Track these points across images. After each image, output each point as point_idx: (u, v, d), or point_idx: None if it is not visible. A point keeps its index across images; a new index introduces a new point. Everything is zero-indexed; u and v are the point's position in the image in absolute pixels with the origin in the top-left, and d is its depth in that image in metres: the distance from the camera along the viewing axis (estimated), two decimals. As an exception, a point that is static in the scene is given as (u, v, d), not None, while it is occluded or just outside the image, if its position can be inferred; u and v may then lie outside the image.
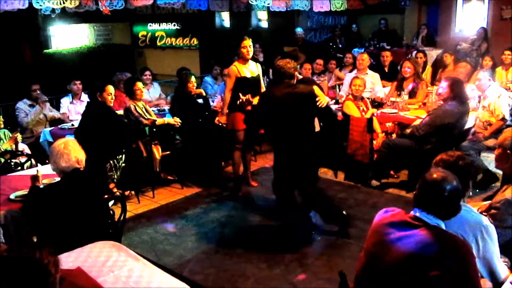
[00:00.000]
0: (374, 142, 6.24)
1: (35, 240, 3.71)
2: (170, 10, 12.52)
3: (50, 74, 10.53)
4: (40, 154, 6.20)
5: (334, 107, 7.06)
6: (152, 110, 6.56)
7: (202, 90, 7.22)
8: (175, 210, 5.76)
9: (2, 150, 5.63)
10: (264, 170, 7.09)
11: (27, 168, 5.31)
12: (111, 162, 5.62)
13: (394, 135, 6.51)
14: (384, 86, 7.85)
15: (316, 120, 6.95)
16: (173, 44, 13.42)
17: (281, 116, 4.77)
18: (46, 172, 4.28)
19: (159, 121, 6.17)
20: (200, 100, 7.02)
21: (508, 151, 3.23)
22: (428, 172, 2.47)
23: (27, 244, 3.40)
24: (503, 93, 6.28)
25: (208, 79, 8.76)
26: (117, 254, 3.07)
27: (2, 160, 5.44)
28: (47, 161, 5.09)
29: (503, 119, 6.08)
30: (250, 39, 5.86)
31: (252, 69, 5.94)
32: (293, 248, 4.82)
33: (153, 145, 6.09)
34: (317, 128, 6.98)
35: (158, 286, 2.75)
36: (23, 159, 5.56)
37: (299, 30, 11.19)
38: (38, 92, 7.00)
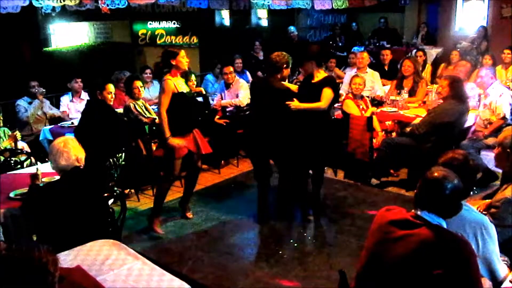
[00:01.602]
0: (374, 140, 6.24)
1: (34, 238, 3.71)
2: (170, 8, 12.52)
3: (49, 72, 10.51)
4: (40, 152, 6.19)
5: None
6: (152, 109, 6.55)
7: (202, 89, 7.23)
8: (175, 208, 5.75)
9: (2, 148, 5.62)
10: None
11: (27, 166, 5.31)
12: (111, 160, 5.62)
13: (394, 134, 6.52)
14: (384, 85, 7.85)
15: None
16: (173, 42, 13.39)
17: (256, 105, 5.38)
18: (46, 171, 4.27)
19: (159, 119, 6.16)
20: (199, 99, 7.02)
21: (508, 150, 3.24)
22: (429, 171, 2.47)
23: (26, 243, 3.40)
24: (505, 92, 6.28)
25: (209, 77, 8.75)
26: (117, 253, 3.07)
27: (2, 158, 5.43)
28: (46, 159, 5.08)
29: (504, 118, 6.08)
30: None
31: (184, 85, 5.19)
32: (293, 246, 4.83)
33: (152, 144, 6.08)
34: None
35: (158, 284, 2.75)
36: (22, 157, 5.56)
37: (292, 28, 11.17)
38: (36, 88, 6.99)
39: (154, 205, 5.21)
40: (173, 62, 4.95)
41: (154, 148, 6.06)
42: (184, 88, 5.07)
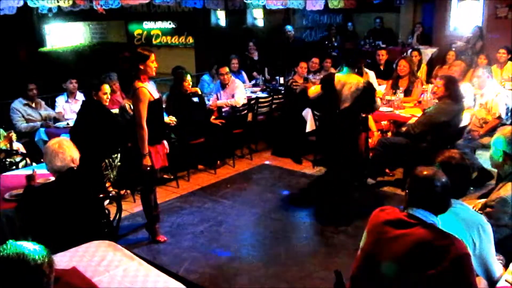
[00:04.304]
0: (370, 140, 6.24)
1: (29, 240, 3.69)
2: (166, 8, 12.53)
3: (45, 72, 10.49)
4: (35, 153, 6.17)
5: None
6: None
7: (197, 89, 7.22)
8: (171, 209, 5.76)
9: (-3, 149, 5.61)
10: (262, 168, 7.12)
11: (22, 167, 5.29)
12: (107, 161, 5.61)
13: (389, 133, 6.52)
14: (379, 84, 7.86)
15: (310, 117, 7.01)
16: (169, 42, 13.42)
17: None
18: (41, 172, 4.26)
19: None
20: (195, 99, 7.02)
21: (501, 149, 3.25)
22: (417, 170, 2.50)
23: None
24: (501, 92, 6.30)
25: (206, 77, 8.76)
26: (113, 254, 3.06)
27: (-3, 159, 5.42)
28: (42, 160, 5.07)
29: (499, 117, 6.10)
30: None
31: (155, 90, 4.89)
32: (289, 246, 4.83)
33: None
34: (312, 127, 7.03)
35: (154, 285, 2.75)
36: (18, 158, 5.54)
37: (288, 28, 11.19)
38: (35, 92, 6.94)
39: (147, 217, 4.96)
40: (142, 67, 4.51)
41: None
42: (156, 94, 4.71)
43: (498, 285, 2.65)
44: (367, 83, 5.33)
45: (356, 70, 5.47)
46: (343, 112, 5.25)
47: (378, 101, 5.69)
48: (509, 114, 6.28)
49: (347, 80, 5.27)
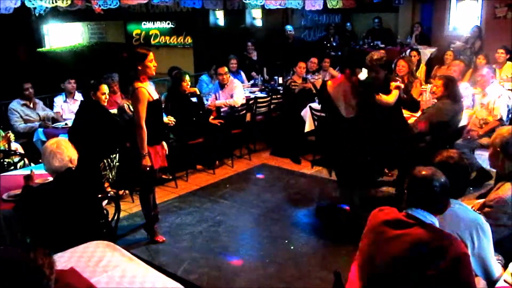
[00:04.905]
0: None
1: (28, 240, 3.69)
2: (164, 8, 12.51)
3: (43, 72, 10.47)
4: (33, 153, 6.16)
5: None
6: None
7: (196, 89, 7.22)
8: (169, 209, 5.75)
9: (-5, 149, 5.60)
10: (261, 168, 7.11)
11: (20, 167, 5.28)
12: (105, 161, 5.60)
13: (388, 134, 6.50)
14: (378, 85, 7.84)
15: (309, 117, 7.00)
16: (167, 42, 13.41)
17: None
18: (39, 172, 4.25)
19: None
20: (194, 99, 7.01)
21: (498, 149, 3.25)
22: (416, 170, 2.50)
23: (20, 245, 3.38)
24: (504, 93, 6.28)
25: (204, 77, 8.75)
26: (111, 254, 3.06)
27: (-5, 159, 5.41)
28: (40, 161, 5.06)
29: (500, 119, 6.07)
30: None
31: (154, 91, 4.87)
32: (288, 247, 4.82)
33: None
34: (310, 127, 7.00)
35: (152, 285, 2.74)
36: (16, 159, 5.53)
37: (289, 27, 11.20)
38: (31, 90, 6.93)
39: (146, 217, 4.99)
40: (140, 67, 4.48)
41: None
42: (155, 95, 4.69)
43: (497, 285, 2.65)
44: (362, 85, 5.14)
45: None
46: (351, 121, 5.09)
47: (389, 97, 5.46)
48: (510, 115, 6.27)
49: (342, 87, 5.13)
